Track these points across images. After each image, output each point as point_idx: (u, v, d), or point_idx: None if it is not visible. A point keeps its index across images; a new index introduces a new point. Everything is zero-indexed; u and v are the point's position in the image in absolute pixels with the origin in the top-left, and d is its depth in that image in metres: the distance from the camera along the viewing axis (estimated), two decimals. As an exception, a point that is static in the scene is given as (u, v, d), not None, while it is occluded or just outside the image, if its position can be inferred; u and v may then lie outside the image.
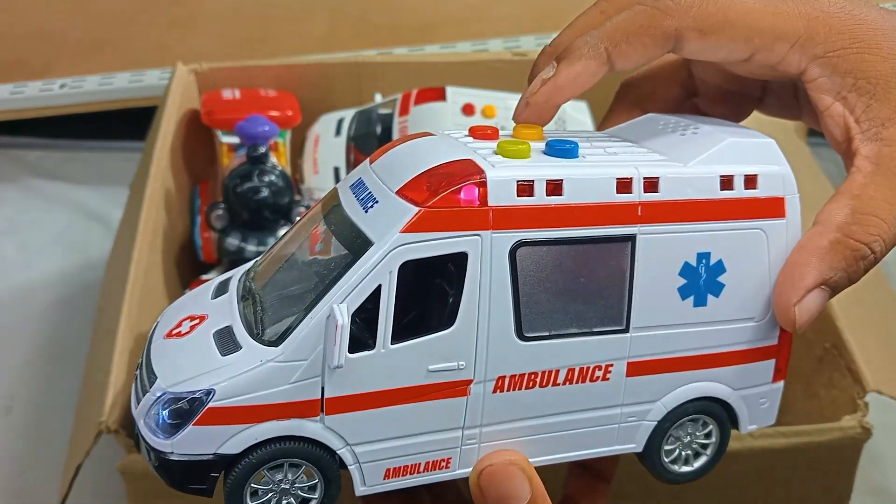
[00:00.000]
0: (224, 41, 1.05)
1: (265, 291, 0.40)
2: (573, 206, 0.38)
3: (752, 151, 0.42)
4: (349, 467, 0.39)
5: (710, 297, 0.41)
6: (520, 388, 0.40)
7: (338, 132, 0.80)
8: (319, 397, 0.37)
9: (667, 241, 0.40)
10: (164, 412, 0.37)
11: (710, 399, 0.44)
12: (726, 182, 0.41)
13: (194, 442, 0.36)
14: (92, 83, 0.97)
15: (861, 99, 0.40)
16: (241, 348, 0.37)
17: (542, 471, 0.41)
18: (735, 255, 0.41)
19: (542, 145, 0.40)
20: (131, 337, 0.62)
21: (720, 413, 0.44)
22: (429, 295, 0.38)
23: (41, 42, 1.05)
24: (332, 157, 0.78)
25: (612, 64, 0.41)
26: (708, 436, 0.45)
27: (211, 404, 0.36)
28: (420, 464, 0.40)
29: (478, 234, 0.37)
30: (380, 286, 0.37)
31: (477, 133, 0.41)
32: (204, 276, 0.72)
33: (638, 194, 0.39)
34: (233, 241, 0.70)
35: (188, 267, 0.76)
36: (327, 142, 0.79)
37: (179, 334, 0.40)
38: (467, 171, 0.37)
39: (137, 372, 0.40)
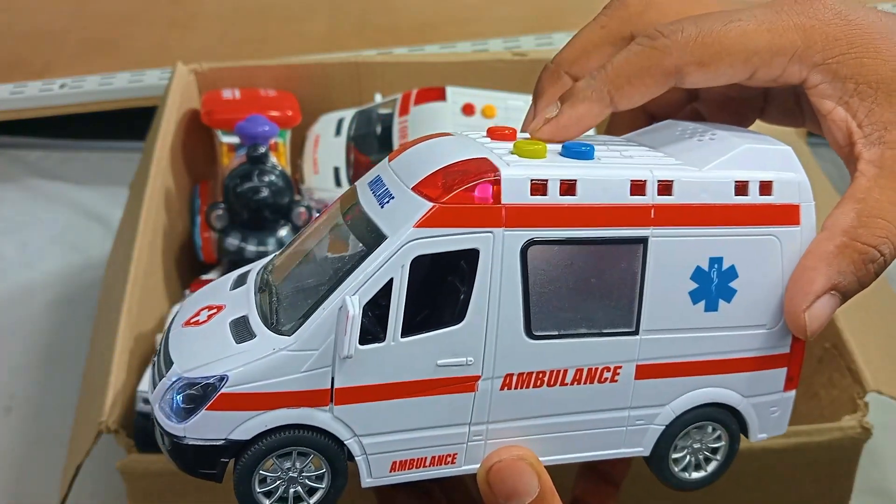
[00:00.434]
0: (224, 41, 1.05)
1: (282, 284, 0.41)
2: (586, 207, 0.39)
3: (769, 158, 0.41)
4: (356, 458, 0.39)
5: (721, 303, 0.41)
6: (527, 387, 0.40)
7: (338, 132, 0.80)
8: (329, 387, 0.38)
9: (679, 245, 0.40)
10: (178, 397, 0.38)
11: (719, 405, 0.44)
12: (741, 188, 0.40)
13: (206, 427, 0.37)
14: (92, 83, 0.97)
15: (863, 103, 0.40)
16: (255, 336, 0.38)
17: (552, 472, 0.41)
18: (748, 261, 0.41)
19: (559, 147, 0.40)
20: (131, 337, 0.62)
21: (729, 420, 0.44)
22: (440, 290, 0.38)
23: (41, 42, 1.05)
24: (332, 157, 0.78)
25: (615, 105, 0.41)
26: (717, 442, 0.45)
27: (224, 390, 0.37)
28: (426, 458, 0.40)
29: (490, 232, 0.38)
30: (392, 279, 0.37)
31: (495, 134, 0.42)
32: (204, 276, 0.72)
33: (651, 197, 0.39)
34: (233, 241, 0.70)
35: (188, 267, 0.76)
36: (327, 142, 0.79)
37: (197, 323, 0.41)
38: (482, 169, 0.38)
39: (155, 358, 0.41)
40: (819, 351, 0.64)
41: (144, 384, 0.60)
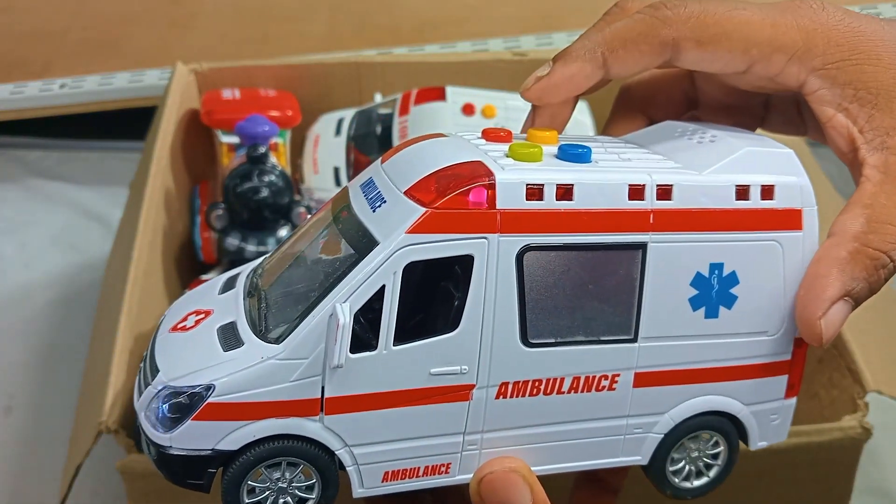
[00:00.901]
0: (224, 41, 1.05)
1: (271, 288, 0.40)
2: (583, 212, 0.38)
3: (770, 161, 0.41)
4: (347, 468, 0.38)
5: (722, 309, 0.41)
6: (523, 395, 0.39)
7: (338, 132, 0.80)
8: (319, 396, 0.37)
9: (679, 251, 0.40)
10: (164, 406, 0.37)
11: (719, 413, 0.43)
12: (742, 192, 0.40)
13: (193, 437, 0.36)
14: (92, 83, 0.97)
15: (863, 109, 0.40)
16: (243, 344, 0.37)
17: (547, 480, 0.41)
18: (749, 266, 0.41)
19: (555, 149, 0.40)
20: (131, 337, 0.62)
21: (729, 428, 0.44)
22: (433, 297, 0.38)
23: (41, 42, 1.05)
24: (332, 157, 0.78)
25: (607, 68, 0.41)
26: (716, 450, 0.44)
27: (210, 399, 0.36)
28: (419, 468, 0.39)
29: (485, 237, 0.37)
30: (384, 286, 0.36)
31: (490, 135, 0.41)
32: (204, 276, 0.72)
33: (650, 202, 0.39)
34: (233, 241, 0.70)
35: (188, 267, 0.76)
36: (327, 142, 0.79)
37: (185, 328, 0.40)
38: (476, 173, 0.37)
39: (142, 365, 0.40)
40: (819, 351, 0.64)
41: (144, 384, 0.60)
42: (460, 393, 0.38)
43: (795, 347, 0.43)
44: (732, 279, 0.41)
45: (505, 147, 0.40)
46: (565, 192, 0.38)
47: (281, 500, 0.38)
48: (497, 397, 0.39)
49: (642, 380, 0.41)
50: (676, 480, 0.44)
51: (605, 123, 0.48)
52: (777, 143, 0.42)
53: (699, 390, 0.42)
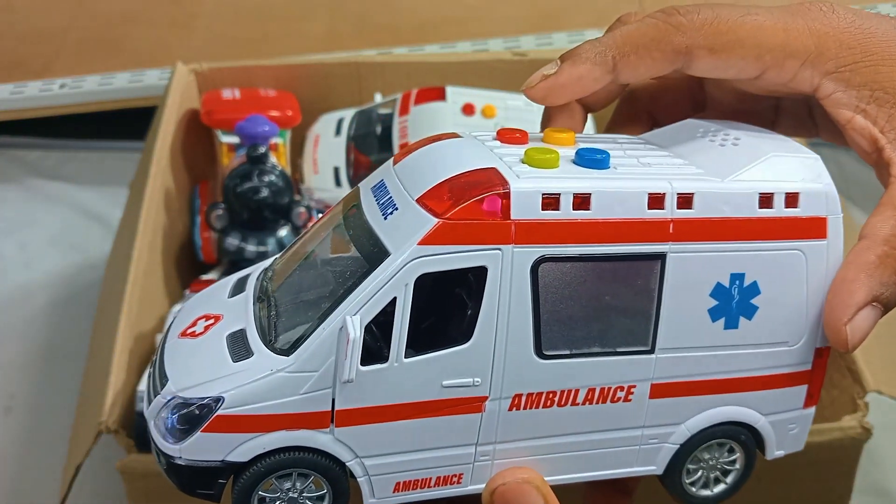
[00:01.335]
0: (224, 41, 1.05)
1: (280, 294, 0.39)
2: (601, 222, 0.37)
3: (795, 167, 0.39)
4: (358, 479, 0.38)
5: (742, 320, 0.40)
6: (537, 407, 0.39)
7: (338, 132, 0.80)
8: (330, 409, 0.36)
9: (699, 261, 0.38)
10: (173, 416, 0.36)
11: (736, 423, 0.42)
12: (765, 200, 0.39)
13: (202, 448, 0.36)
14: (92, 83, 0.97)
15: (882, 109, 0.39)
16: (252, 355, 0.36)
17: (560, 489, 0.40)
18: (771, 276, 0.39)
19: (573, 153, 0.39)
20: (131, 337, 0.62)
21: (746, 438, 0.43)
22: (446, 308, 0.37)
23: (41, 42, 1.05)
24: (332, 157, 0.78)
25: (617, 73, 0.40)
26: (732, 457, 0.44)
27: (220, 412, 0.35)
28: (431, 478, 0.39)
29: (499, 249, 0.36)
30: (395, 298, 0.35)
31: (505, 137, 0.40)
32: (204, 277, 0.72)
33: (670, 210, 0.37)
34: (233, 241, 0.70)
35: (188, 267, 0.76)
36: (327, 142, 0.79)
37: (193, 334, 0.39)
38: (491, 182, 0.36)
39: (150, 370, 0.40)
40: (819, 351, 0.64)
41: (144, 384, 0.60)
42: (473, 405, 0.38)
43: (816, 357, 0.42)
44: (753, 289, 0.39)
45: (521, 151, 0.38)
46: (582, 201, 0.36)
47: None
48: (510, 409, 0.38)
49: (659, 391, 0.40)
50: (693, 490, 0.43)
51: (608, 124, 0.48)
52: (802, 148, 0.41)
53: (717, 401, 0.41)
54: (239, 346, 0.37)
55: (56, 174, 1.00)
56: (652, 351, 0.39)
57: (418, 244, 0.35)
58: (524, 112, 0.76)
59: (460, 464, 0.39)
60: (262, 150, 0.69)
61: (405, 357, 0.36)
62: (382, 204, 0.38)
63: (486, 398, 0.38)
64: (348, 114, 0.81)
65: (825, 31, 0.40)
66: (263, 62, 0.84)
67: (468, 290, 0.36)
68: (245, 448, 0.36)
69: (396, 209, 0.37)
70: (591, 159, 0.38)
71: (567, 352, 0.38)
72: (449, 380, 0.37)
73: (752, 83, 0.41)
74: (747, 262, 0.39)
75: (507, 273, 0.36)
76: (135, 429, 0.59)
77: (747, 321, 0.40)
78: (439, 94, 0.76)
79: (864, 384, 0.59)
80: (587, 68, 0.40)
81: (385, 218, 0.37)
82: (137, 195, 0.72)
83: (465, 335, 0.37)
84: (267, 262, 0.43)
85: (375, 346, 0.36)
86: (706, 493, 0.44)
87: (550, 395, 0.38)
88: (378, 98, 0.81)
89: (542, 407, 0.39)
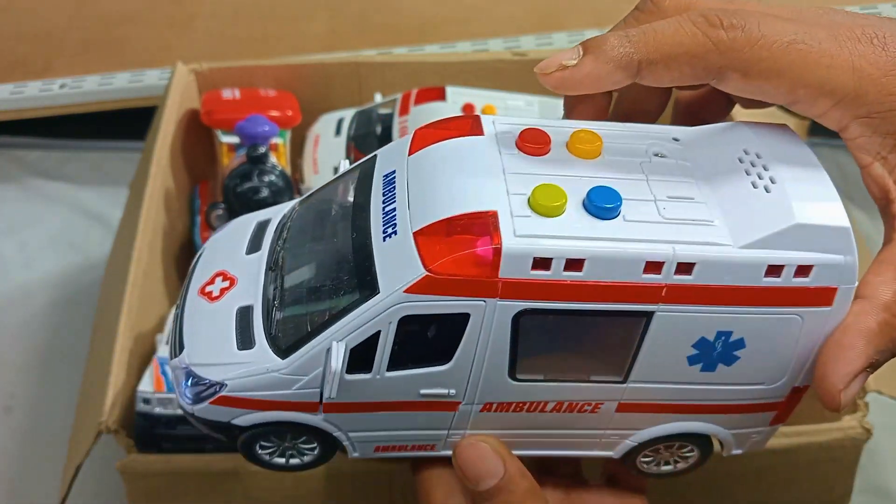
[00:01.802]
0: (224, 41, 1.05)
1: (289, 274, 0.41)
2: (590, 284, 0.36)
3: (820, 237, 0.36)
4: (344, 443, 0.42)
5: (720, 366, 0.39)
6: (507, 411, 0.41)
7: (338, 132, 0.80)
8: (318, 401, 0.39)
9: (686, 319, 0.37)
10: (186, 382, 0.40)
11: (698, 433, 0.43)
12: (773, 270, 0.36)
13: (211, 412, 0.40)
14: (92, 83, 0.97)
15: None
16: (254, 345, 0.39)
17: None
18: (759, 335, 0.38)
19: (583, 193, 0.36)
20: (131, 337, 0.62)
21: (705, 441, 0.44)
22: (427, 339, 0.38)
23: (41, 42, 1.05)
24: (332, 157, 0.78)
25: (640, 77, 0.37)
26: (689, 453, 0.45)
27: (223, 393, 0.39)
28: (407, 445, 0.43)
29: (483, 301, 0.36)
30: (379, 332, 0.37)
31: (526, 143, 0.38)
32: (204, 276, 0.72)
33: (666, 276, 0.36)
34: (233, 241, 0.70)
35: (188, 267, 0.76)
36: (327, 142, 0.79)
37: (210, 295, 0.42)
38: (486, 231, 0.35)
39: (176, 312, 0.43)
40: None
41: (144, 384, 0.60)
42: (447, 406, 0.40)
43: (792, 393, 0.41)
44: (738, 344, 0.38)
45: (531, 185, 0.36)
46: (574, 264, 0.35)
47: (288, 453, 0.43)
48: (482, 410, 0.40)
49: (626, 407, 0.41)
50: (646, 467, 0.45)
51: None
52: (837, 213, 0.37)
53: (683, 418, 0.42)
54: (245, 331, 0.40)
55: (56, 174, 0.99)
56: (624, 381, 0.40)
57: (404, 291, 0.36)
58: (524, 112, 0.76)
59: (434, 440, 0.42)
60: (262, 150, 0.69)
61: (387, 372, 0.38)
62: (386, 214, 0.38)
63: (459, 403, 0.40)
64: (348, 114, 0.81)
65: (869, 73, 0.36)
66: (263, 62, 0.84)
67: (450, 326, 0.37)
68: (246, 418, 0.40)
69: (395, 234, 0.37)
70: (600, 207, 0.36)
71: (541, 377, 0.39)
72: (426, 389, 0.39)
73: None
74: (737, 322, 0.37)
75: (490, 320, 0.37)
76: (135, 429, 0.59)
77: (726, 367, 0.39)
78: (439, 94, 0.76)
79: (864, 385, 0.59)
80: (609, 70, 0.37)
81: (384, 240, 0.37)
82: (137, 195, 0.72)
83: (444, 358, 0.38)
84: (287, 208, 0.45)
85: (361, 360, 0.38)
86: (657, 469, 0.46)
87: (520, 405, 0.40)
88: (378, 98, 0.81)
89: (512, 412, 0.41)
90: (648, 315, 0.37)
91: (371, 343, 0.37)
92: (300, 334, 0.38)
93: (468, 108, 0.75)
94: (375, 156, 0.42)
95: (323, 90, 0.84)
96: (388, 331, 0.37)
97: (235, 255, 0.44)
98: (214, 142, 0.78)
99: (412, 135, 0.41)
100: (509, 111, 0.76)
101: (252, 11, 1.09)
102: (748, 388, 0.40)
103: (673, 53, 0.36)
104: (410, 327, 0.37)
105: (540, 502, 0.41)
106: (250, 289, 0.41)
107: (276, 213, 0.45)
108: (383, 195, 0.39)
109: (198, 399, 0.40)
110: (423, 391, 0.39)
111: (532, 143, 0.38)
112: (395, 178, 0.39)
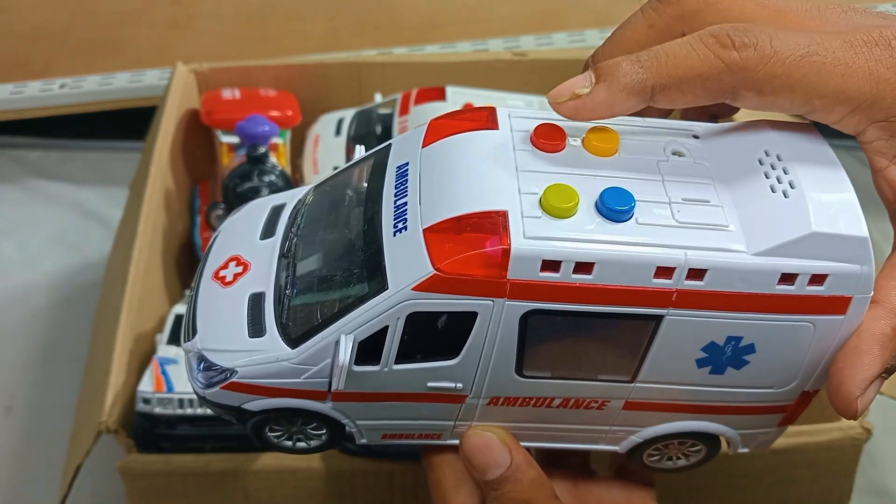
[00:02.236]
0: (224, 41, 1.05)
1: (301, 262, 0.41)
2: (599, 287, 0.35)
3: (837, 246, 0.35)
4: (352, 430, 0.42)
5: (729, 369, 0.39)
6: (514, 405, 0.41)
7: (338, 132, 0.80)
8: (326, 390, 0.39)
9: (696, 324, 0.37)
10: (199, 366, 0.40)
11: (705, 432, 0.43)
12: (787, 278, 0.35)
13: (222, 397, 0.40)
14: (92, 83, 0.97)
15: None
16: (265, 334, 0.39)
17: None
18: (771, 341, 0.37)
19: (596, 193, 0.36)
20: (131, 337, 0.62)
21: (712, 439, 0.44)
22: (435, 335, 0.38)
23: (41, 42, 1.05)
24: (332, 157, 0.78)
25: (654, 102, 0.37)
26: (695, 450, 0.45)
27: (233, 379, 0.39)
28: (414, 434, 0.43)
29: (491, 301, 0.36)
30: (387, 327, 0.37)
31: (541, 139, 0.38)
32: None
33: (678, 281, 0.35)
34: (233, 241, 0.70)
35: (188, 267, 0.76)
36: (327, 142, 0.79)
37: (224, 280, 0.42)
38: (496, 231, 0.35)
39: (190, 294, 0.43)
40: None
41: (144, 384, 0.60)
42: (454, 398, 0.40)
43: (801, 397, 0.41)
44: (749, 349, 0.38)
45: (543, 183, 0.36)
46: (584, 267, 0.35)
47: (296, 437, 0.43)
48: (489, 404, 0.40)
49: (633, 405, 0.41)
50: (651, 462, 0.45)
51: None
52: (856, 222, 0.36)
53: (689, 417, 0.42)
54: (256, 318, 0.40)
55: (56, 174, 0.99)
56: (632, 381, 0.40)
57: (412, 289, 0.36)
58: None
59: (441, 430, 0.42)
60: (262, 150, 0.69)
61: (395, 365, 0.38)
62: (397, 208, 0.38)
63: (466, 396, 0.40)
64: (348, 114, 0.81)
65: (886, 77, 0.36)
66: (263, 62, 0.84)
67: (458, 324, 0.37)
68: (255, 404, 0.40)
69: (406, 229, 0.37)
70: (612, 210, 0.35)
71: (548, 374, 0.39)
72: (434, 382, 0.39)
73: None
74: (748, 328, 0.37)
75: (497, 320, 0.37)
76: (135, 429, 0.59)
77: (735, 370, 0.39)
78: (439, 94, 0.76)
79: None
80: (623, 97, 0.36)
81: (394, 235, 0.37)
82: (137, 195, 0.72)
83: (452, 353, 0.38)
84: (301, 193, 0.45)
85: (369, 353, 0.38)
86: (663, 465, 0.46)
87: (527, 399, 0.40)
88: (378, 98, 0.81)
89: (519, 406, 0.41)
90: (658, 319, 0.37)
91: (379, 337, 0.37)
92: (310, 325, 0.38)
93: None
94: (390, 144, 0.42)
95: (323, 90, 0.84)
96: (395, 326, 0.37)
97: (250, 240, 0.44)
98: (214, 142, 0.78)
99: (426, 125, 0.40)
100: (509, 111, 0.76)
101: (252, 11, 1.09)
102: (757, 392, 0.40)
103: (686, 77, 0.36)
104: (418, 323, 0.37)
105: (547, 491, 0.42)
106: (263, 275, 0.41)
107: (291, 198, 0.45)
108: (395, 188, 0.39)
109: (209, 384, 0.40)
110: (430, 384, 0.39)
111: (547, 139, 0.38)
112: (407, 170, 0.39)
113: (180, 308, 0.67)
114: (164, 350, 0.63)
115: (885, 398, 0.59)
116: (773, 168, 0.37)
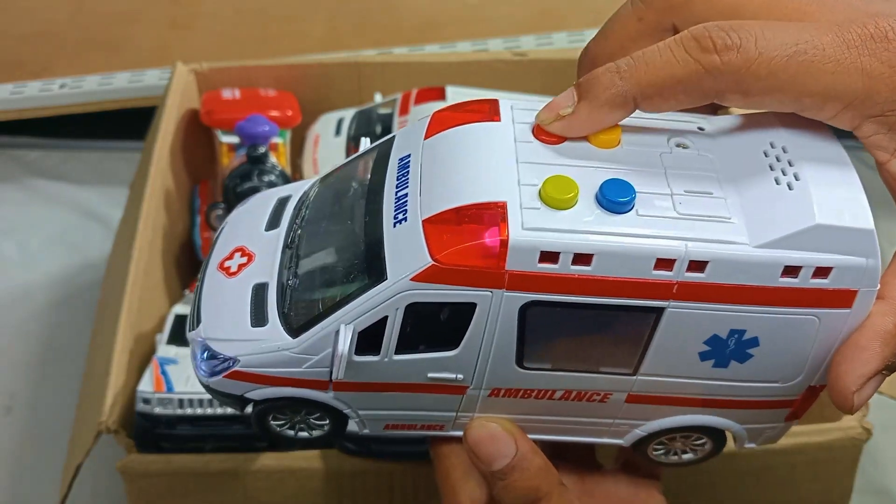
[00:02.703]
0: (224, 41, 1.05)
1: (305, 253, 0.41)
2: (599, 279, 0.35)
3: (842, 239, 0.35)
4: (353, 420, 0.42)
5: (733, 362, 0.38)
6: (515, 397, 0.41)
7: (338, 132, 0.80)
8: (328, 379, 0.39)
9: (698, 317, 0.36)
10: (202, 355, 0.41)
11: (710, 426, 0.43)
12: (790, 271, 0.35)
13: (225, 385, 0.40)
14: (92, 83, 0.97)
15: None
16: (267, 323, 0.40)
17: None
18: (774, 334, 0.37)
19: (597, 185, 0.36)
20: (131, 337, 0.62)
21: (718, 434, 0.43)
22: (435, 325, 0.38)
23: (41, 42, 1.05)
24: (332, 157, 0.78)
25: (638, 108, 0.36)
26: (701, 444, 0.44)
27: (236, 368, 0.40)
28: (416, 424, 0.43)
29: (489, 291, 0.36)
30: (386, 317, 0.37)
31: (542, 134, 0.38)
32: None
33: (678, 273, 0.35)
34: (233, 241, 0.70)
35: (188, 267, 0.76)
36: (327, 142, 0.79)
37: (229, 270, 0.42)
38: (494, 222, 0.35)
39: (197, 288, 0.43)
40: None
41: (144, 384, 0.60)
42: (455, 389, 0.40)
43: (807, 391, 0.41)
44: (752, 342, 0.38)
45: (545, 172, 0.36)
46: (582, 258, 0.35)
47: (299, 426, 0.43)
48: (490, 396, 0.40)
49: (635, 399, 0.41)
50: (655, 455, 0.45)
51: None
52: (862, 213, 0.35)
53: (693, 411, 0.41)
54: (259, 308, 0.40)
55: (56, 174, 0.99)
56: (634, 374, 0.39)
57: (411, 280, 0.36)
58: (524, 112, 0.76)
59: (443, 421, 0.42)
60: (262, 150, 0.69)
61: (395, 355, 0.38)
62: (398, 199, 0.38)
63: (467, 387, 0.40)
64: (348, 114, 0.81)
65: (880, 72, 0.35)
66: (263, 62, 0.84)
67: (457, 315, 0.37)
68: (258, 392, 0.40)
69: (405, 220, 0.37)
70: (612, 201, 0.35)
71: (548, 366, 0.39)
72: (434, 373, 0.39)
73: None
74: (752, 321, 0.37)
75: (496, 310, 0.36)
76: (135, 429, 0.59)
77: (738, 363, 0.39)
78: (439, 94, 0.76)
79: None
80: (605, 112, 0.36)
81: (394, 226, 0.37)
82: (137, 195, 0.72)
83: (452, 345, 0.38)
84: (307, 185, 0.45)
85: (369, 342, 0.38)
86: (668, 459, 0.45)
87: (528, 391, 0.40)
88: (378, 98, 0.81)
89: (520, 398, 0.41)
90: (659, 311, 0.36)
91: (379, 327, 0.37)
92: (311, 315, 0.39)
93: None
94: (394, 136, 0.42)
95: (323, 90, 0.84)
96: (395, 316, 0.37)
97: (255, 231, 0.44)
98: (214, 142, 0.78)
99: (429, 117, 0.41)
100: (509, 111, 0.76)
101: (252, 11, 1.09)
102: (762, 386, 0.40)
103: (666, 84, 0.35)
104: (418, 314, 0.37)
105: (553, 478, 0.42)
106: (267, 266, 0.42)
107: (296, 190, 0.45)
108: (397, 179, 0.39)
109: (212, 372, 0.40)
110: (430, 375, 0.39)
111: (548, 134, 0.38)
112: (409, 162, 0.39)
113: (180, 308, 0.67)
114: (164, 350, 0.63)
115: (885, 398, 0.59)
116: (777, 160, 0.37)
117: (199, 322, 0.41)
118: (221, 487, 0.58)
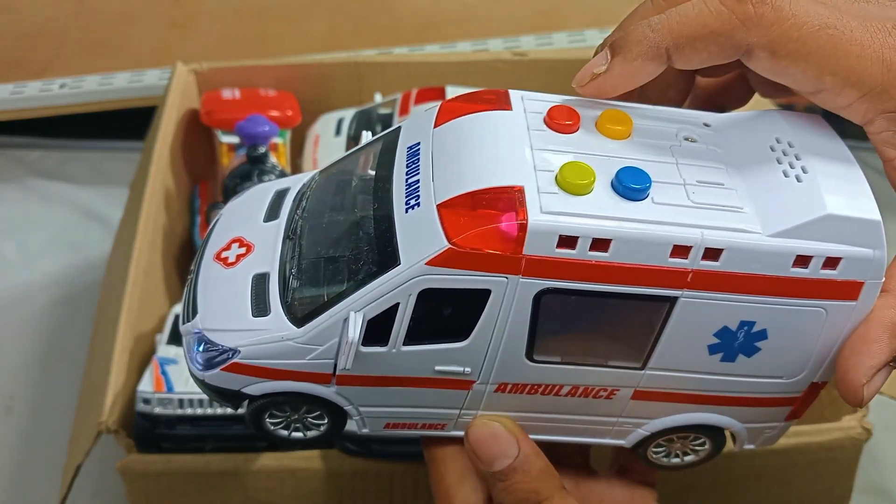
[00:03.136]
0: (224, 41, 1.05)
1: (307, 243, 0.41)
2: (615, 266, 0.35)
3: (851, 230, 0.35)
4: (353, 418, 0.41)
5: (740, 356, 0.39)
6: (521, 393, 0.40)
7: (338, 132, 0.80)
8: (331, 372, 0.39)
9: (710, 307, 0.37)
10: (199, 347, 0.40)
11: (712, 426, 0.43)
12: (801, 261, 0.36)
13: (222, 379, 0.39)
14: (92, 83, 0.97)
15: None
16: (269, 313, 0.39)
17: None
18: (782, 327, 0.38)
19: (612, 172, 0.36)
20: (131, 337, 0.62)
21: (718, 433, 0.44)
22: (446, 313, 0.38)
23: (41, 42, 1.05)
24: (332, 157, 0.77)
25: (671, 63, 0.37)
26: (700, 445, 0.45)
27: (235, 360, 0.39)
28: (418, 423, 0.42)
29: (505, 277, 0.35)
30: (398, 304, 0.36)
31: (554, 120, 0.38)
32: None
33: (693, 261, 0.35)
34: (233, 241, 0.70)
35: (188, 267, 0.76)
36: (327, 142, 0.79)
37: (226, 261, 0.41)
38: (512, 206, 0.35)
39: (190, 278, 0.42)
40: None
41: (144, 384, 0.60)
42: (461, 384, 0.40)
43: (810, 388, 0.41)
44: (761, 335, 0.38)
45: (559, 160, 0.36)
46: (600, 244, 0.35)
47: (296, 426, 0.42)
48: (496, 391, 0.40)
49: (641, 395, 0.41)
50: (656, 457, 0.45)
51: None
52: (868, 206, 0.36)
53: (697, 409, 0.42)
54: (260, 298, 0.39)
55: (56, 174, 0.99)
56: (642, 368, 0.39)
57: (426, 264, 0.35)
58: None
59: (445, 420, 0.42)
60: (262, 150, 0.69)
61: (403, 346, 0.38)
62: (409, 185, 0.38)
63: (474, 382, 0.39)
64: (348, 114, 0.81)
65: None
66: (263, 62, 0.84)
67: (470, 302, 0.37)
68: (257, 387, 0.39)
69: (418, 205, 0.37)
70: (629, 188, 0.35)
71: (558, 359, 0.39)
72: (442, 366, 0.39)
73: (800, 94, 0.39)
74: (761, 312, 0.37)
75: (511, 298, 0.36)
76: (135, 429, 0.59)
77: (746, 358, 0.39)
78: (439, 94, 0.76)
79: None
80: (640, 65, 0.37)
81: (406, 211, 0.37)
82: (137, 195, 0.72)
83: (462, 335, 0.38)
84: (307, 178, 0.45)
85: (377, 332, 0.37)
86: (668, 462, 0.45)
87: (535, 387, 0.40)
88: (378, 98, 0.81)
89: (527, 393, 0.40)
90: (672, 300, 0.36)
91: (389, 315, 0.37)
92: (317, 303, 0.38)
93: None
94: (399, 128, 0.42)
95: (323, 90, 0.84)
96: (406, 303, 0.36)
97: (253, 222, 0.43)
98: (214, 142, 0.78)
99: (438, 107, 0.40)
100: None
101: (252, 11, 1.09)
102: (767, 381, 0.40)
103: (699, 35, 0.36)
104: (430, 301, 0.36)
105: (555, 482, 0.41)
106: (267, 256, 0.41)
107: (295, 182, 0.45)
108: (407, 167, 0.39)
109: (209, 365, 0.39)
110: (438, 367, 0.38)
111: (561, 120, 0.38)
112: (419, 150, 0.39)
113: (180, 308, 0.67)
114: (164, 350, 0.63)
115: (886, 398, 0.59)
116: (784, 154, 0.37)
117: (195, 313, 0.40)
118: (221, 487, 0.58)
